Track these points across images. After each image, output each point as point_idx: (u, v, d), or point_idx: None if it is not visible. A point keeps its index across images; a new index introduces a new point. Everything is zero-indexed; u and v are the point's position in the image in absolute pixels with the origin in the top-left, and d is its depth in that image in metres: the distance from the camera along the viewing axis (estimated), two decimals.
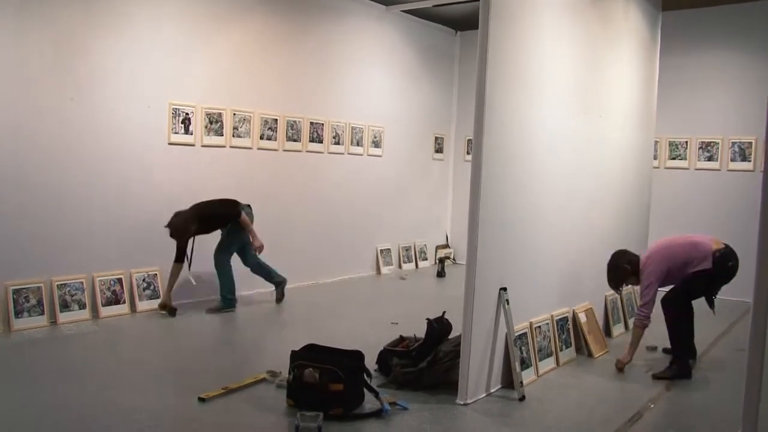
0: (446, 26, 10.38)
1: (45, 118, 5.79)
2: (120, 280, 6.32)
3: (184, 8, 6.72)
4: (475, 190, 4.35)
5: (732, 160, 8.47)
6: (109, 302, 6.21)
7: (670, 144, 8.83)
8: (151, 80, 6.46)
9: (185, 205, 6.56)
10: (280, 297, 7.11)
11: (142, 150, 6.45)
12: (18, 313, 5.64)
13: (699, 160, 8.68)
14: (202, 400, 4.17)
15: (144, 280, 6.49)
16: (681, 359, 5.21)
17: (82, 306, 6.02)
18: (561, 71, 5.31)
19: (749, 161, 8.33)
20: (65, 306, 5.92)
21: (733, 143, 8.43)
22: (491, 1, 4.28)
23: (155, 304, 6.47)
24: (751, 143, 8.29)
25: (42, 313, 5.77)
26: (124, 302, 6.31)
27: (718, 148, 8.53)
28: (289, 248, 7.92)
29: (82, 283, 6.06)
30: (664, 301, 5.32)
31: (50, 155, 5.85)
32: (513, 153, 4.68)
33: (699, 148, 8.66)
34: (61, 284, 5.93)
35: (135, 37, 6.32)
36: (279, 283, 7.14)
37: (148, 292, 6.49)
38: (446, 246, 10.61)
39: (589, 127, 5.79)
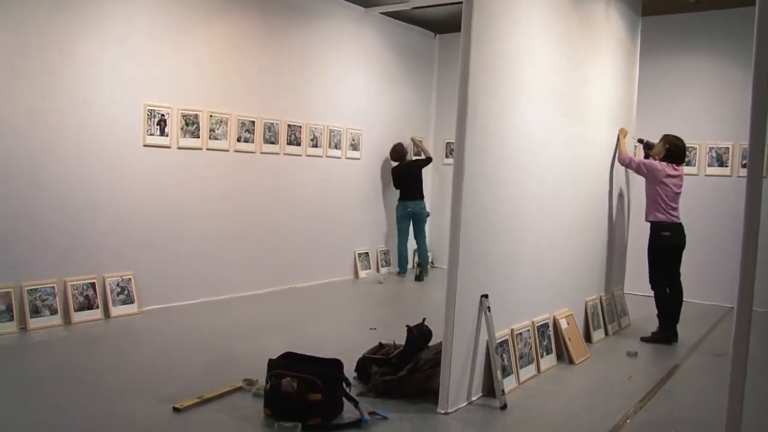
0: (426, 29, 10.34)
1: (16, 119, 5.64)
2: (93, 285, 6.18)
3: (161, 8, 6.60)
4: (457, 195, 4.28)
5: (709, 165, 8.50)
6: (81, 307, 6.06)
7: None
8: (126, 81, 6.33)
9: (162, 207, 6.46)
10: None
11: (117, 152, 6.32)
12: None
13: None
14: (177, 410, 4.06)
15: (118, 284, 6.35)
16: (663, 326, 6.37)
17: (53, 311, 5.88)
18: (543, 74, 5.27)
19: (726, 167, 8.36)
20: (36, 311, 5.77)
21: (711, 149, 8.46)
22: (474, 3, 4.23)
23: (129, 309, 6.35)
24: (728, 149, 8.33)
25: (11, 319, 5.62)
26: (98, 307, 6.17)
27: (696, 153, 8.55)
28: (266, 251, 7.83)
29: (53, 287, 5.92)
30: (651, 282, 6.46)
31: (20, 156, 5.70)
32: (495, 156, 4.63)
33: None
34: (32, 289, 5.78)
35: (110, 37, 6.19)
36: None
37: (122, 296, 6.35)
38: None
39: (571, 131, 5.76)
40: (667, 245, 6.32)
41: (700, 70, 8.55)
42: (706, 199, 8.42)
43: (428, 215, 9.62)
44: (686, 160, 7.19)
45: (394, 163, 9.50)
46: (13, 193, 5.67)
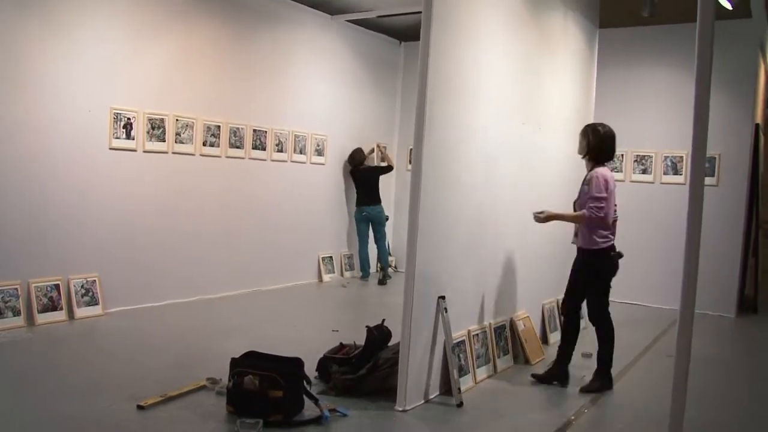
0: (391, 37, 10.49)
1: None
2: (57, 286, 6.21)
3: (127, 11, 6.64)
4: (415, 199, 4.43)
5: (665, 173, 8.76)
6: (45, 309, 6.08)
7: None
8: (91, 84, 6.37)
9: (128, 210, 6.52)
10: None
11: (83, 154, 6.35)
12: None
13: (634, 173, 8.95)
14: (141, 407, 4.14)
15: (82, 286, 6.38)
16: (603, 371, 5.16)
17: (16, 313, 5.89)
18: (501, 82, 5.43)
19: (680, 175, 8.62)
20: None
21: (666, 157, 8.73)
22: (433, 12, 4.37)
23: (94, 311, 6.39)
24: (682, 157, 8.58)
25: None
26: (62, 309, 6.20)
27: (651, 161, 8.81)
28: (231, 255, 7.89)
29: (16, 289, 5.93)
30: (590, 318, 5.29)
31: None
32: (453, 162, 4.77)
33: (634, 161, 8.94)
34: None
35: (75, 40, 6.22)
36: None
37: (86, 298, 6.38)
38: (388, 254, 10.67)
39: (529, 138, 5.92)
40: (612, 268, 5.11)
41: (656, 80, 8.81)
42: (662, 206, 8.67)
43: (387, 219, 9.78)
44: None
45: (351, 167, 9.67)
46: None
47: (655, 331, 7.18)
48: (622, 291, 8.78)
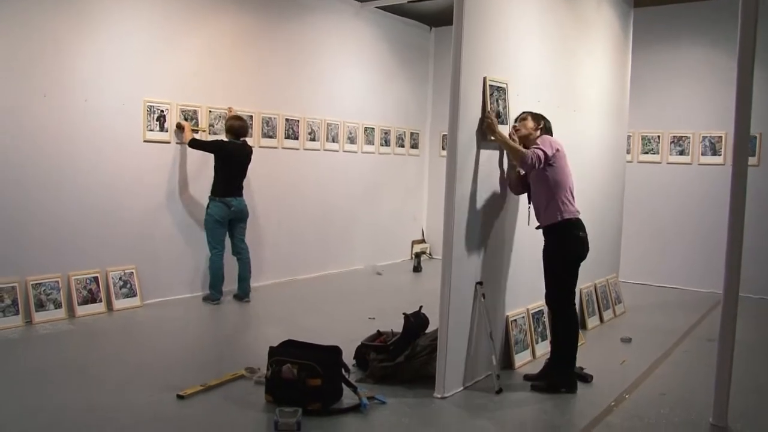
0: (421, 22, 10.42)
1: (17, 116, 5.73)
2: (96, 279, 6.28)
3: (159, 4, 6.68)
4: (450, 185, 4.39)
5: (703, 154, 8.59)
6: (85, 301, 6.17)
7: (643, 138, 8.93)
8: (125, 77, 6.42)
9: (163, 201, 6.57)
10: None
11: (118, 147, 6.42)
12: None
13: (671, 155, 8.79)
14: (180, 397, 4.18)
15: (120, 278, 6.45)
16: (558, 366, 4.69)
17: (57, 305, 5.98)
18: (535, 65, 5.36)
19: (719, 155, 8.45)
20: (40, 305, 5.87)
21: (704, 138, 8.55)
22: None
23: (132, 302, 6.46)
24: (721, 138, 8.41)
25: (17, 313, 5.72)
26: (101, 301, 6.28)
27: (689, 142, 8.64)
28: (266, 244, 7.92)
29: (57, 282, 6.02)
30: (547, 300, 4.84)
31: (23, 153, 5.79)
32: (488, 147, 4.72)
33: (671, 143, 8.78)
34: (36, 284, 5.88)
35: (109, 34, 6.27)
36: None
37: (124, 290, 6.45)
38: (422, 241, 10.67)
39: (564, 122, 5.83)
40: (580, 250, 4.75)
41: (693, 59, 8.63)
42: (700, 188, 8.53)
43: None
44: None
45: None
46: (17, 190, 5.77)
47: (695, 315, 7.06)
48: (658, 274, 8.72)
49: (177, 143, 6.93)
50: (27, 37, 5.75)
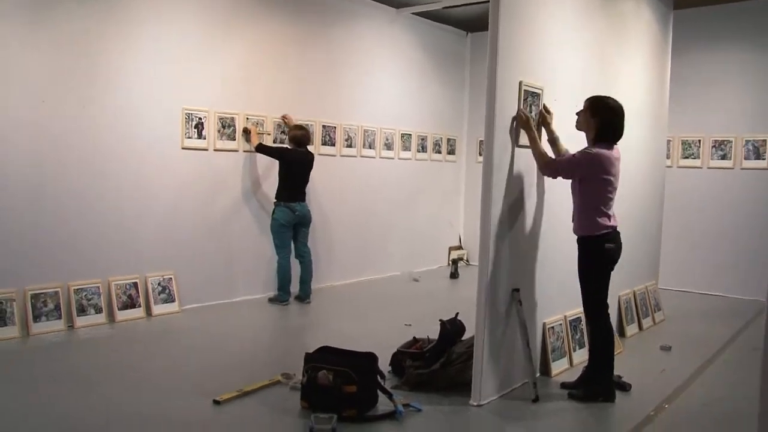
0: (457, 28, 10.39)
1: (60, 124, 5.84)
2: (135, 284, 6.37)
3: (197, 13, 6.77)
4: (487, 192, 4.37)
5: (746, 158, 8.43)
6: (124, 306, 6.26)
7: (683, 143, 8.80)
8: (164, 85, 6.51)
9: (200, 208, 6.65)
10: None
11: (157, 155, 6.50)
12: (36, 318, 5.70)
13: (712, 159, 8.65)
14: (217, 402, 4.21)
15: (159, 284, 6.53)
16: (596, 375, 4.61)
17: (98, 310, 6.08)
18: (572, 70, 5.31)
19: (764, 159, 8.28)
20: (82, 310, 5.97)
21: (747, 141, 8.39)
22: (501, 1, 4.30)
23: (171, 308, 6.53)
24: (765, 141, 8.24)
25: (59, 318, 5.83)
26: (140, 306, 6.36)
27: (731, 146, 8.49)
28: None
29: (98, 287, 6.12)
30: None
31: (66, 161, 5.90)
32: (524, 153, 4.68)
33: (712, 147, 8.63)
34: (78, 289, 5.98)
35: (147, 42, 6.37)
36: None
37: (163, 296, 6.53)
38: (459, 247, 10.63)
39: None
40: (607, 262, 4.56)
41: (734, 61, 8.47)
42: (742, 193, 8.37)
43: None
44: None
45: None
46: (60, 198, 5.88)
47: (738, 323, 6.92)
48: (699, 281, 8.57)
49: (244, 151, 7.21)
50: (67, 47, 5.84)
